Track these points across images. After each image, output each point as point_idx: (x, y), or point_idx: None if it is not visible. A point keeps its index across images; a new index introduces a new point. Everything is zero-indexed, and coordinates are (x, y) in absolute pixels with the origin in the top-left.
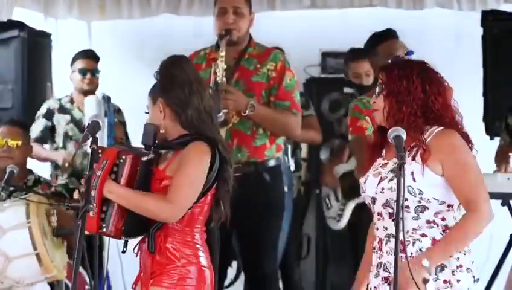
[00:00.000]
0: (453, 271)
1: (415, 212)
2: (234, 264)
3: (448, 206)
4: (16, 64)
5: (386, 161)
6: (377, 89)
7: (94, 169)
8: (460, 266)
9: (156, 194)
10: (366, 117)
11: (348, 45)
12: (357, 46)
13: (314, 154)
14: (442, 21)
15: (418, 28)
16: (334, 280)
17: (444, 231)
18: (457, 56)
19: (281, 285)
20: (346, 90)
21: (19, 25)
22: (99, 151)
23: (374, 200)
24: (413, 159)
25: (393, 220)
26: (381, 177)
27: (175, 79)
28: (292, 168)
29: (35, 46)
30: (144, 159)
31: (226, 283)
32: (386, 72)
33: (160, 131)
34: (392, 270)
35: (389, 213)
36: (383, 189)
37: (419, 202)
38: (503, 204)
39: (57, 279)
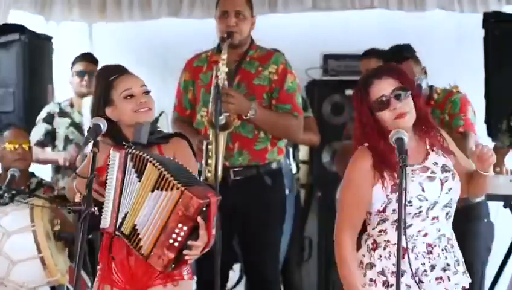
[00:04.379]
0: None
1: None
2: (236, 267)
3: None
4: (17, 67)
5: (422, 165)
6: (399, 91)
7: (95, 172)
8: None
9: None
10: None
11: (349, 47)
12: (358, 48)
13: (315, 157)
14: (444, 23)
15: (420, 30)
16: (337, 283)
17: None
18: (459, 58)
19: (282, 288)
20: (348, 92)
21: (20, 29)
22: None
23: (434, 204)
24: (443, 155)
25: (446, 219)
26: (440, 180)
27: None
28: (294, 171)
29: (36, 50)
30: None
31: (229, 285)
32: (401, 76)
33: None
34: (451, 265)
35: (446, 213)
36: (450, 189)
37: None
38: (505, 206)
39: (60, 283)
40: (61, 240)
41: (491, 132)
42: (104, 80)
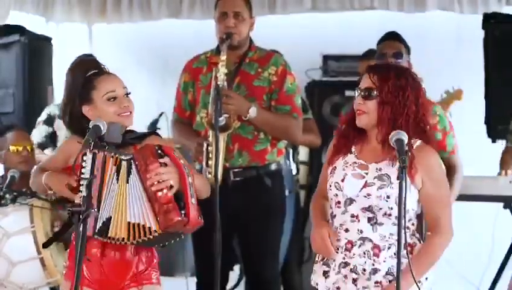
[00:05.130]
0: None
1: (395, 219)
2: (236, 268)
3: (416, 214)
4: (17, 68)
5: (363, 162)
6: (365, 92)
7: (95, 173)
8: None
9: None
10: None
11: (349, 48)
12: (358, 49)
13: (315, 158)
14: (444, 24)
15: (420, 31)
16: None
17: (412, 234)
18: (459, 59)
19: (282, 289)
20: (348, 93)
21: (20, 30)
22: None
23: (351, 201)
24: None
25: (372, 225)
26: (366, 182)
27: None
28: (294, 172)
29: (36, 51)
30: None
31: (229, 286)
32: (380, 77)
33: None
34: (359, 271)
35: (368, 217)
36: (369, 195)
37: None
38: (505, 207)
39: (59, 284)
40: (61, 241)
41: (491, 133)
42: (81, 75)
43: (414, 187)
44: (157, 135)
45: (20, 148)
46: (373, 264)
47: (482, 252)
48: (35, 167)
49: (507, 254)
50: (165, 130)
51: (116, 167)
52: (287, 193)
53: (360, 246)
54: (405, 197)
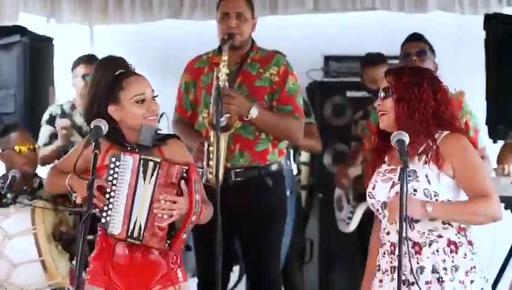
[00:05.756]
0: (466, 272)
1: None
2: (236, 268)
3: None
4: (18, 69)
5: (393, 167)
6: (383, 92)
7: (96, 174)
8: (474, 267)
9: None
10: None
11: (350, 49)
12: (360, 50)
13: (316, 159)
14: (445, 24)
15: (421, 31)
16: (338, 284)
17: (458, 231)
18: (460, 59)
19: (283, 289)
20: (349, 94)
21: (21, 30)
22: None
23: (385, 205)
24: (426, 163)
25: (408, 223)
26: (393, 183)
27: None
28: (295, 172)
29: (37, 51)
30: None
31: (229, 286)
32: (395, 76)
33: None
34: (407, 272)
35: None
36: (397, 193)
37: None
38: (506, 208)
39: (61, 286)
40: (62, 242)
41: (492, 134)
42: (109, 74)
43: (446, 176)
44: (178, 138)
45: (25, 149)
46: (417, 263)
47: (483, 253)
48: (51, 166)
49: (508, 255)
50: (165, 130)
51: (142, 167)
52: (288, 193)
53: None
54: (406, 198)
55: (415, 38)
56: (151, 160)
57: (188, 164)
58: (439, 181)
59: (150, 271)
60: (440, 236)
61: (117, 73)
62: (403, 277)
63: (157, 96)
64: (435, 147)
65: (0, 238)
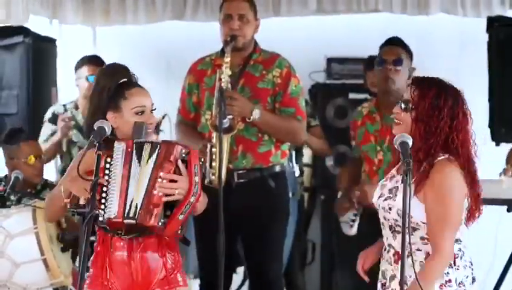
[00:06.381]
0: (441, 285)
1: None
2: (240, 270)
3: None
4: (21, 69)
5: (393, 174)
6: (403, 104)
7: (99, 175)
8: (449, 281)
9: None
10: None
11: (353, 51)
12: (362, 52)
13: (319, 160)
14: (447, 27)
15: (423, 34)
16: (340, 286)
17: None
18: (462, 62)
19: None
20: (352, 96)
21: (24, 31)
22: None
23: (378, 208)
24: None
25: (392, 232)
26: (381, 193)
27: None
28: (296, 174)
29: (40, 52)
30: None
31: (232, 288)
32: (420, 93)
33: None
34: (388, 278)
35: (389, 226)
36: (379, 205)
37: (411, 223)
38: (508, 210)
39: (63, 285)
40: (65, 241)
41: (495, 136)
42: (112, 82)
43: (418, 200)
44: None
45: (36, 161)
46: (392, 271)
47: (485, 255)
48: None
49: (510, 258)
50: (168, 132)
51: (135, 150)
52: (290, 195)
53: (388, 252)
54: (409, 202)
55: (393, 44)
56: (147, 142)
57: (188, 147)
58: (419, 204)
59: (149, 272)
60: (419, 249)
61: (120, 82)
62: (383, 281)
63: (155, 109)
64: (425, 172)
65: (2, 238)
